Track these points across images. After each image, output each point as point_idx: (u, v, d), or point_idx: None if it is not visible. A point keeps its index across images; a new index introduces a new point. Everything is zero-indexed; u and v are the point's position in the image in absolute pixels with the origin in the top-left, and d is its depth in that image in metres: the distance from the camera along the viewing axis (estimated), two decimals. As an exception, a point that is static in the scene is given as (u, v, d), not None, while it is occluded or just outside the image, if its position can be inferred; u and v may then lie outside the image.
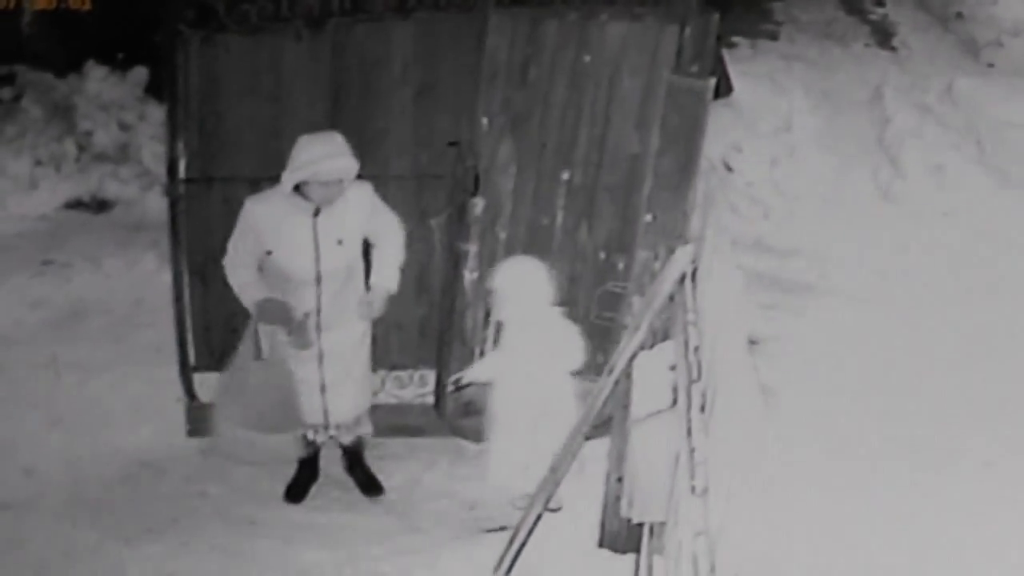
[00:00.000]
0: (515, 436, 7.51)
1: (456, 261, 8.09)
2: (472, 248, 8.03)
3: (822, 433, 8.65)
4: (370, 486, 8.12)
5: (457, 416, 8.33)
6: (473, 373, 7.76)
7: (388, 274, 7.56)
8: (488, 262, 8.03)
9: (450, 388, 7.71)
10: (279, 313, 7.25)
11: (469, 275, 8.10)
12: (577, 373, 7.59)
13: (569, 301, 8.19)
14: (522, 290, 7.30)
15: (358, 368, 7.74)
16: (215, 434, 7.86)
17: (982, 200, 11.58)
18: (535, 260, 7.45)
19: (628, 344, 7.15)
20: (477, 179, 7.89)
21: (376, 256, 7.64)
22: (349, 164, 7.15)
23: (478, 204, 7.94)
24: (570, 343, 7.42)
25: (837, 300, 10.09)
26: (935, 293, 10.35)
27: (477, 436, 8.24)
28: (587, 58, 7.77)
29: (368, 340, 7.77)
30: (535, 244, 8.05)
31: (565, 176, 8.00)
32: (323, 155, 7.09)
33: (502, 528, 7.61)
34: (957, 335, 9.82)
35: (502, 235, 8.05)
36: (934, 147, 12.18)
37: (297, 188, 7.18)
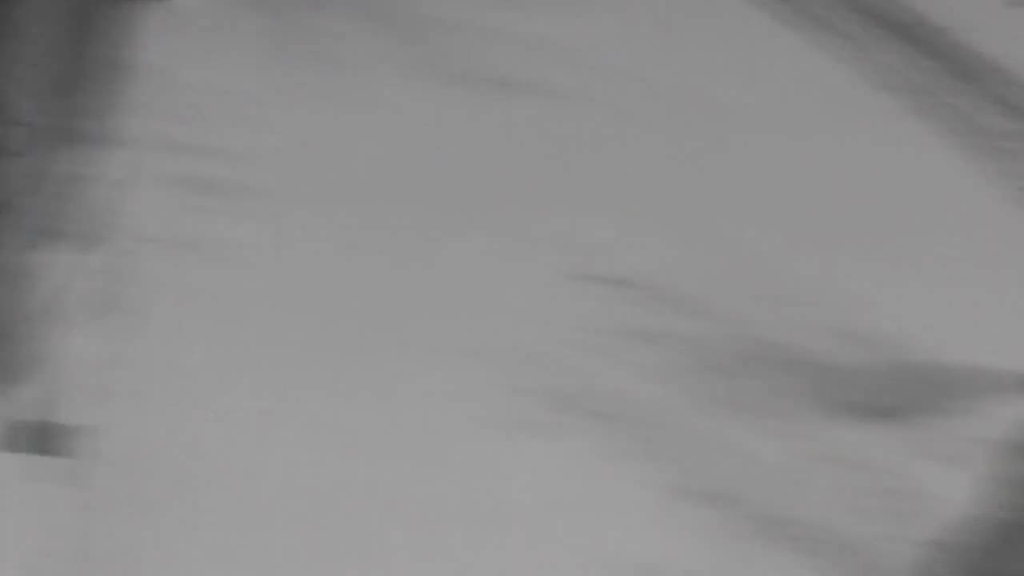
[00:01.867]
0: None
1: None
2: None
3: (245, 330, 8.80)
4: None
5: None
6: None
7: None
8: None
9: None
10: None
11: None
12: None
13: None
14: None
15: None
16: None
17: (412, 96, 11.93)
18: None
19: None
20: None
21: None
22: None
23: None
24: None
25: (264, 199, 10.15)
26: (367, 189, 10.65)
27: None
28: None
29: None
30: None
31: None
32: None
33: None
34: (377, 230, 10.16)
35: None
36: (367, 43, 12.44)
37: None
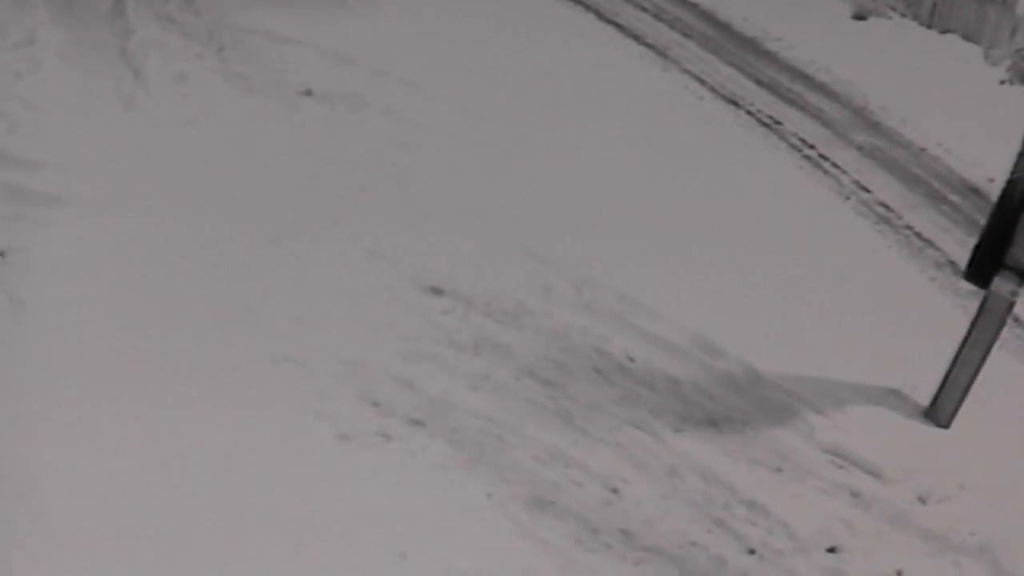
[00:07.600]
0: None
1: None
2: None
3: (72, 342, 8.78)
4: None
5: None
6: None
7: None
8: None
9: None
10: None
11: None
12: None
13: None
14: None
15: None
16: None
17: (224, 107, 11.88)
18: None
19: None
20: None
21: None
22: None
23: None
24: None
25: (83, 209, 10.14)
26: (183, 199, 10.61)
27: None
28: None
29: None
30: None
31: None
32: None
33: None
34: (199, 239, 10.16)
35: None
36: (176, 56, 12.38)
37: None
